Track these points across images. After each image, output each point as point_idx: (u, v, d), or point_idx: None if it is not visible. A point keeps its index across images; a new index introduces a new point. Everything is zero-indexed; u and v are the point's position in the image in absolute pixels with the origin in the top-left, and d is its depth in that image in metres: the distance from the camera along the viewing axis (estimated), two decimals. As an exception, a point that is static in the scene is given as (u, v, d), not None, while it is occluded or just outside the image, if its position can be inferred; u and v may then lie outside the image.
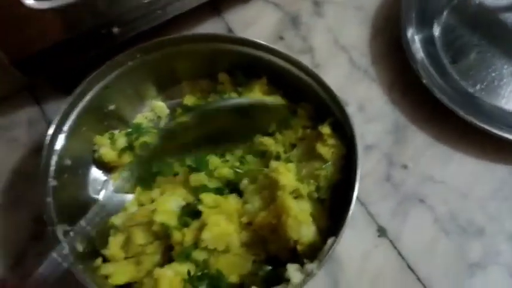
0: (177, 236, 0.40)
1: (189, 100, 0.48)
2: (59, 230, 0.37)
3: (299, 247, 0.38)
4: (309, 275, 0.34)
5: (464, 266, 0.42)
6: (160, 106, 0.49)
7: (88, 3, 0.42)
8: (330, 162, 0.40)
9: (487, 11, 0.56)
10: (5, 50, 0.40)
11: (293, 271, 0.35)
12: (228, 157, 0.44)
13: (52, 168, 0.40)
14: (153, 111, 0.49)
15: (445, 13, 0.56)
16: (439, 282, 0.42)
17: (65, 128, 0.41)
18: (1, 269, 0.43)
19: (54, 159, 0.40)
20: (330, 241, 0.35)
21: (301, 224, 0.37)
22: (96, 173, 0.46)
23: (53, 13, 0.40)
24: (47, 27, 0.42)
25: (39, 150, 0.47)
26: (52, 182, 0.39)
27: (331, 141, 0.40)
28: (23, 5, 0.38)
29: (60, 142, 0.41)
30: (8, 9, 0.38)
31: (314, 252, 0.37)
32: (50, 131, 0.40)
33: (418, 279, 0.42)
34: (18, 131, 0.50)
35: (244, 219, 0.40)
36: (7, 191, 0.47)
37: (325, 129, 0.40)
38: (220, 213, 0.39)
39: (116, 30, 0.45)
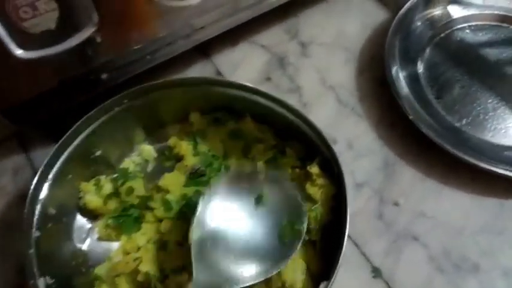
0: None
1: (173, 142, 0.48)
2: (41, 283, 0.36)
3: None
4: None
5: (462, 306, 0.41)
6: (148, 149, 0.49)
7: (77, 51, 0.43)
8: (319, 203, 0.39)
9: (468, 47, 0.57)
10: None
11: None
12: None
13: (36, 218, 0.38)
14: (141, 156, 0.49)
15: (427, 50, 0.57)
16: (438, 324, 0.40)
17: (50, 176, 0.40)
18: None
19: (38, 209, 0.39)
20: (322, 286, 0.34)
21: (295, 270, 0.36)
22: (80, 220, 0.45)
23: (42, 62, 0.40)
24: (36, 76, 0.42)
25: (24, 198, 0.46)
26: (35, 233, 0.38)
27: (320, 181, 0.40)
28: (11, 56, 0.39)
29: (44, 191, 0.40)
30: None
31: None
32: (34, 181, 0.39)
33: (416, 321, 0.40)
34: (3, 179, 0.49)
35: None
36: (-11, 241, 0.45)
37: (314, 169, 0.40)
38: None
39: (104, 76, 0.45)
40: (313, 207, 0.39)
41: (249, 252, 0.37)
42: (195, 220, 0.37)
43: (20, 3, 0.37)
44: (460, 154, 0.46)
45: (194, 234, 0.36)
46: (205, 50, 0.57)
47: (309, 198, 0.40)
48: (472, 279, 0.42)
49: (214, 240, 0.37)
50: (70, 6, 0.39)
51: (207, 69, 0.56)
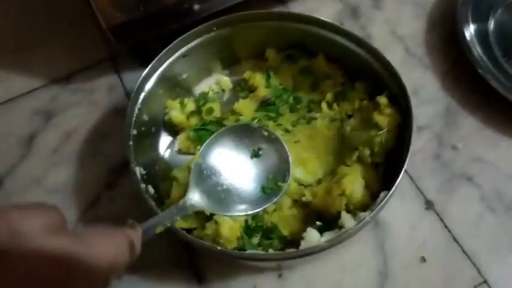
0: None
1: (248, 75, 0.53)
2: (137, 170, 0.42)
3: (351, 206, 0.41)
4: (361, 222, 0.36)
5: (509, 242, 0.44)
6: (226, 80, 0.54)
7: None
8: (385, 129, 0.43)
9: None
10: (104, 15, 0.46)
11: (346, 218, 0.38)
12: (280, 121, 0.49)
13: (133, 119, 0.44)
14: (218, 85, 0.54)
15: (499, 10, 0.58)
16: (483, 256, 0.43)
17: (146, 88, 0.47)
18: (75, 211, 0.48)
19: (135, 111, 0.45)
20: (382, 194, 0.38)
21: (354, 181, 0.40)
22: (164, 134, 0.51)
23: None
24: None
25: (116, 112, 0.54)
26: (133, 131, 0.44)
27: (387, 110, 0.43)
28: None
29: (141, 99, 0.46)
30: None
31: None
32: (135, 87, 0.45)
33: (463, 251, 0.43)
34: (99, 94, 0.55)
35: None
36: (85, 145, 0.52)
37: (383, 100, 0.44)
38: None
39: (196, 7, 0.50)
40: (379, 133, 0.43)
41: (234, 191, 0.44)
42: (201, 150, 0.45)
43: None
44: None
45: (197, 160, 0.44)
46: (282, -3, 0.61)
47: (376, 126, 0.43)
48: (522, 221, 0.45)
49: (211, 171, 0.44)
50: None
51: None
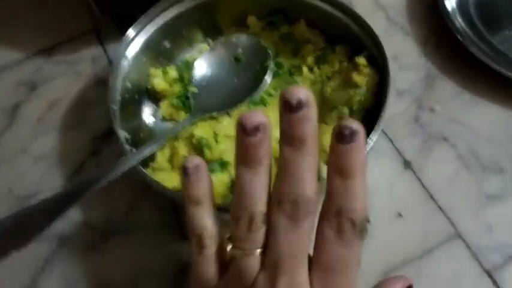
0: (207, 152, 0.45)
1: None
2: (121, 133, 0.43)
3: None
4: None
5: (484, 197, 0.45)
6: (206, 48, 0.54)
7: None
8: (364, 87, 0.44)
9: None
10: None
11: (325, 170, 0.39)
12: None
13: (117, 84, 0.45)
14: (200, 53, 0.54)
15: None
16: (459, 211, 0.44)
17: (128, 55, 0.47)
18: (61, 178, 0.49)
19: (119, 77, 0.45)
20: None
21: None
22: (148, 102, 0.51)
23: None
24: None
25: (100, 82, 0.54)
26: (117, 97, 0.45)
27: (365, 70, 0.44)
28: None
29: (124, 65, 0.46)
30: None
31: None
32: (119, 52, 0.46)
33: (439, 207, 0.45)
34: (83, 65, 0.56)
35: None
36: (70, 114, 0.53)
37: (361, 60, 0.45)
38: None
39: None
40: (357, 91, 0.44)
41: (227, 89, 0.49)
42: (194, 68, 0.50)
43: None
44: (502, 70, 0.49)
45: (192, 89, 0.49)
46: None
47: (355, 85, 0.44)
48: (496, 178, 0.46)
49: (206, 87, 0.49)
50: None
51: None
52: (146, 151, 0.41)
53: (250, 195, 0.28)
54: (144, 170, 0.40)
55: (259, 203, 0.28)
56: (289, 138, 0.27)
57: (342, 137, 0.26)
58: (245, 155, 0.28)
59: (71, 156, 0.50)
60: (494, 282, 0.41)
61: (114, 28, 0.57)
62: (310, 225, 0.27)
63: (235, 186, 0.29)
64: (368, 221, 0.28)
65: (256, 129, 0.27)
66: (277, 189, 0.27)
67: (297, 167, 0.27)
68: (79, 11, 0.59)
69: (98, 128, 0.51)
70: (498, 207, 0.44)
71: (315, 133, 0.27)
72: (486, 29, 0.55)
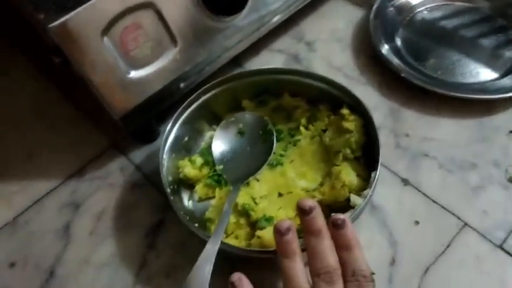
0: (252, 214, 0.55)
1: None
2: (182, 216, 0.51)
3: (353, 192, 0.53)
4: (366, 197, 0.49)
5: (470, 190, 0.58)
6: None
7: (171, 67, 0.59)
8: (355, 131, 0.57)
9: (429, 23, 0.77)
10: (113, 108, 0.56)
11: (355, 198, 0.50)
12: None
13: (164, 179, 0.54)
14: (210, 139, 0.64)
15: (400, 29, 0.76)
16: (457, 204, 0.56)
17: (164, 156, 0.56)
18: (129, 277, 0.54)
19: (164, 172, 0.54)
20: (373, 174, 0.51)
21: (348, 173, 0.53)
22: (183, 189, 0.60)
23: (147, 77, 0.56)
24: (142, 87, 0.58)
25: (134, 186, 0.62)
26: (167, 189, 0.53)
27: (351, 117, 0.57)
28: (126, 77, 0.55)
29: (164, 163, 0.56)
30: (117, 81, 0.54)
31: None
32: (161, 155, 0.56)
33: (442, 207, 0.57)
34: (113, 177, 0.64)
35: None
36: (117, 220, 0.59)
37: (345, 111, 0.58)
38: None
39: (182, 85, 0.62)
40: (351, 135, 0.56)
41: (246, 158, 0.59)
42: (212, 151, 0.60)
43: (126, 39, 0.53)
44: (446, 92, 0.64)
45: (216, 160, 0.60)
46: (237, 60, 0.74)
47: (347, 131, 0.57)
48: (473, 173, 0.59)
49: (228, 162, 0.59)
50: (158, 37, 0.55)
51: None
52: (221, 229, 0.49)
53: (294, 277, 0.41)
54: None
55: (301, 281, 0.41)
56: (310, 231, 0.43)
57: (337, 225, 0.43)
58: (284, 249, 0.42)
59: (131, 255, 0.56)
60: (508, 253, 0.52)
61: (129, 138, 0.66)
62: (341, 285, 0.40)
63: (282, 273, 0.42)
64: (373, 273, 0.42)
65: (288, 229, 0.43)
66: (313, 267, 0.42)
67: (321, 249, 0.42)
68: (92, 134, 0.68)
69: (146, 224, 0.58)
70: (483, 194, 0.57)
71: (324, 224, 0.43)
72: (417, 62, 0.71)
